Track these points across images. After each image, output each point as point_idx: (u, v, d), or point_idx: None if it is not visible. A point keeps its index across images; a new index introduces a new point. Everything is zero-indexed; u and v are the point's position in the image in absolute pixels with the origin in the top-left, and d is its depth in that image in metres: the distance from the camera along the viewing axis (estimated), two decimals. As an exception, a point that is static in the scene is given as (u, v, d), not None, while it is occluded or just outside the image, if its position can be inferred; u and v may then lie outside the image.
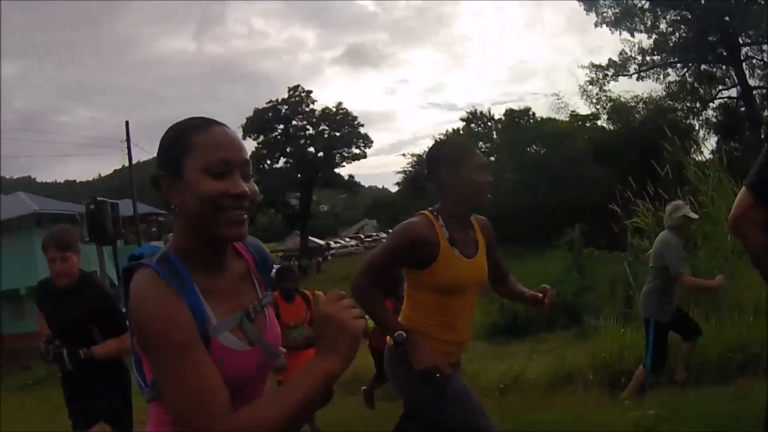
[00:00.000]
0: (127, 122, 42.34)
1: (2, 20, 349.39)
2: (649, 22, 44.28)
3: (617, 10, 44.61)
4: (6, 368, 30.52)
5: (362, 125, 67.55)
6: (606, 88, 46.09)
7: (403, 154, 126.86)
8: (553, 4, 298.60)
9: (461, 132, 61.62)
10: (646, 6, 43.90)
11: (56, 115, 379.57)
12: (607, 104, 46.33)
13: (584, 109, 48.69)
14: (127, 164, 49.84)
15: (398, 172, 70.45)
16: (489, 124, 61.77)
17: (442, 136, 64.09)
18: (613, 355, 7.80)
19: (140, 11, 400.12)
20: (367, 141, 68.03)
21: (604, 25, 45.18)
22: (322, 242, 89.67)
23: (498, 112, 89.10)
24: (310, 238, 76.27)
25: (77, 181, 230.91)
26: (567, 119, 49.68)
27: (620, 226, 13.12)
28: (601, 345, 8.44)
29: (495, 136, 58.30)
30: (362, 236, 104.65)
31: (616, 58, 45.75)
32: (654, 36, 44.68)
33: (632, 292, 11.73)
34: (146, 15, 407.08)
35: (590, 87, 46.38)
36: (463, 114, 70.92)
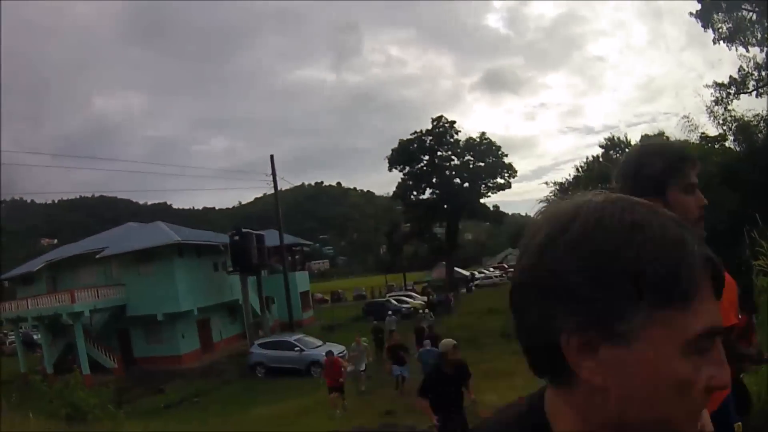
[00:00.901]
0: (272, 156, 43.68)
1: (128, 54, 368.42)
2: (759, 35, 42.43)
3: (730, 25, 43.02)
4: (137, 390, 31.48)
5: (506, 155, 66.96)
6: (730, 107, 44.52)
7: (546, 183, 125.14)
8: (672, 18, 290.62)
9: (600, 159, 60.38)
10: (754, 18, 42.11)
11: (192, 145, 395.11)
12: (732, 124, 44.73)
13: (713, 129, 47.19)
14: (267, 192, 51.43)
15: (541, 201, 69.45)
16: (626, 150, 60.26)
17: (582, 162, 63.23)
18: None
19: (274, 43, 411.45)
20: (512, 171, 67.32)
21: (721, 41, 43.71)
22: (467, 273, 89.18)
23: (634, 134, 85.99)
24: (455, 268, 76.00)
25: (216, 208, 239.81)
26: (698, 141, 48.21)
27: (746, 265, 12.71)
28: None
29: (632, 162, 56.89)
30: (506, 266, 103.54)
31: (735, 75, 44.06)
32: (766, 49, 42.80)
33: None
34: (280, 47, 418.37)
35: (716, 107, 44.96)
36: (601, 139, 68.96)
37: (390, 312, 30.59)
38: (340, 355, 24.51)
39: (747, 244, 11.73)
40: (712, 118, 45.83)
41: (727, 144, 46.85)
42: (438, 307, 42.44)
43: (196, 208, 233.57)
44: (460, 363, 9.66)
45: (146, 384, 33.69)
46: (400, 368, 20.42)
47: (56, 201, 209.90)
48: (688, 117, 49.53)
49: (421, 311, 32.25)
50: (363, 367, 22.47)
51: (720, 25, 43.99)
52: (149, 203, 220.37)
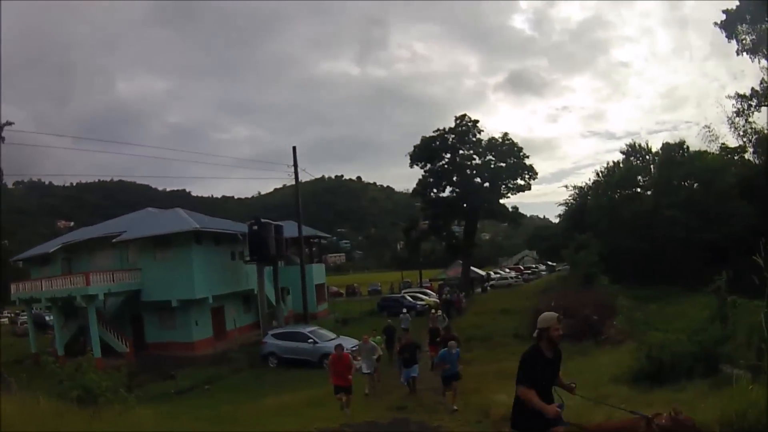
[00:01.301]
0: (294, 147, 43.41)
1: (153, 36, 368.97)
2: (782, 47, 42.14)
3: (754, 36, 42.56)
4: (148, 376, 31.29)
5: (527, 156, 66.65)
6: (751, 119, 44.13)
7: (566, 186, 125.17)
8: (697, 27, 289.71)
9: (621, 165, 59.99)
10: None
11: (214, 132, 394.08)
12: (753, 136, 44.35)
13: (733, 140, 46.78)
14: (287, 184, 51.17)
15: (560, 204, 68.98)
16: (647, 157, 59.88)
17: (603, 167, 62.84)
18: (738, 413, 7.76)
19: (300, 32, 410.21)
20: (532, 173, 66.99)
21: (744, 53, 43.33)
22: (482, 272, 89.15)
23: (655, 142, 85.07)
24: (472, 268, 75.83)
25: (235, 197, 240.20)
26: (717, 152, 47.79)
27: (761, 277, 12.58)
28: (731, 401, 8.35)
29: (652, 170, 56.44)
30: (521, 267, 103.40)
31: (757, 87, 43.70)
32: (790, 62, 42.55)
33: (763, 345, 11.33)
34: (306, 36, 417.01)
35: (737, 119, 44.61)
36: (622, 145, 68.23)
37: (404, 310, 30.11)
38: (353, 350, 24.19)
39: (763, 256, 11.52)
40: (732, 129, 45.73)
41: (746, 156, 46.56)
42: (448, 307, 41.23)
43: (215, 196, 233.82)
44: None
45: (157, 370, 33.62)
46: (408, 370, 19.24)
47: (74, 184, 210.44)
48: (709, 127, 49.55)
49: (433, 311, 31.27)
50: (371, 369, 20.28)
51: (744, 36, 43.80)
52: (168, 189, 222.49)
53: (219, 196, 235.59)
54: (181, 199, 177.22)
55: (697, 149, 51.15)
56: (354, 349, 24.66)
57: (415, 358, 19.50)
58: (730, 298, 15.45)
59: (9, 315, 74.64)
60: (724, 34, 44.65)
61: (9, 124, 40.72)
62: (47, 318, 51.56)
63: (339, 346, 17.10)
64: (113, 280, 39.34)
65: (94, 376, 14.15)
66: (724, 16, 44.17)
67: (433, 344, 21.78)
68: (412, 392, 18.91)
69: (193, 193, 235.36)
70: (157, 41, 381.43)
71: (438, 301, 48.71)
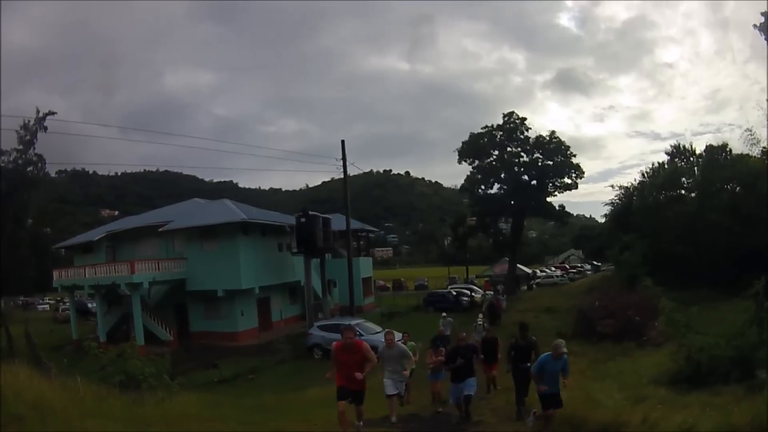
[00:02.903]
0: (342, 141, 43.14)
1: (200, 31, 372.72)
2: (817, 50, 41.00)
3: None
4: (191, 364, 31.45)
5: (574, 155, 65.74)
6: None
7: (612, 186, 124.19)
8: (739, 30, 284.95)
9: (666, 166, 59.00)
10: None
11: (261, 125, 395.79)
12: None
13: None
14: (335, 177, 51.19)
15: (606, 204, 67.98)
16: (691, 159, 58.87)
17: (648, 168, 61.83)
18: (762, 420, 7.96)
19: (349, 29, 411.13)
20: (579, 171, 66.04)
21: None
22: (528, 270, 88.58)
23: (699, 144, 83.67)
24: (518, 265, 75.25)
25: (282, 189, 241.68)
26: (759, 155, 46.70)
27: None
28: (764, 406, 8.51)
29: (696, 172, 55.42)
30: (567, 266, 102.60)
31: None
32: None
33: None
34: (356, 32, 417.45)
35: None
36: (667, 146, 66.95)
37: (444, 315, 28.76)
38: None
39: None
40: (773, 134, 44.43)
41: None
42: (488, 312, 39.21)
43: (262, 188, 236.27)
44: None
45: (200, 358, 33.74)
46: (461, 385, 13.42)
47: (119, 173, 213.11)
48: (750, 130, 48.25)
49: (475, 323, 27.27)
50: (398, 389, 13.56)
51: (782, 39, 42.52)
52: (215, 181, 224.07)
53: (266, 188, 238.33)
54: (228, 190, 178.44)
55: (739, 152, 50.19)
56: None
57: (471, 368, 13.72)
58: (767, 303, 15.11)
59: (50, 302, 75.82)
60: (763, 37, 43.61)
61: (51, 114, 41.20)
62: (89, 305, 52.20)
63: (348, 328, 10.90)
64: (158, 269, 39.62)
65: (138, 362, 14.03)
66: (762, 19, 43.26)
67: (435, 350, 15.80)
68: (465, 418, 13.33)
69: (240, 185, 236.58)
70: (205, 36, 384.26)
71: (481, 308, 46.62)
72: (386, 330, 15.22)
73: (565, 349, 11.19)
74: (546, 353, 11.36)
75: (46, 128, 41.21)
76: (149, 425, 9.26)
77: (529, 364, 12.96)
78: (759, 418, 8.05)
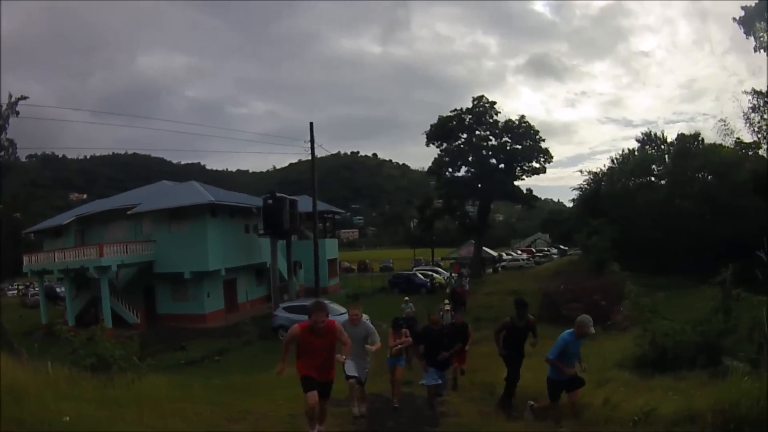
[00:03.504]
0: (311, 123, 43.40)
1: (174, 13, 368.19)
2: (799, 46, 41.81)
3: None
4: (159, 346, 31.58)
5: (543, 140, 66.39)
6: (767, 116, 43.89)
7: (581, 171, 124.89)
8: (719, 21, 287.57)
9: (636, 153, 59.95)
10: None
11: (234, 107, 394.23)
12: (767, 133, 44.17)
13: (748, 136, 46.63)
14: (302, 159, 51.48)
15: (574, 189, 68.72)
16: (662, 147, 59.83)
17: (618, 154, 62.82)
18: (732, 403, 7.97)
19: (323, 10, 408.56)
20: (548, 156, 66.66)
21: (761, 50, 43.10)
22: (494, 253, 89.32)
23: (671, 132, 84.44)
24: (484, 248, 75.94)
25: (250, 171, 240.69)
26: (732, 146, 47.63)
27: (764, 272, 12.78)
28: (726, 391, 8.58)
29: (667, 159, 56.33)
30: (533, 250, 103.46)
31: None
32: (806, 61, 42.25)
33: (762, 340, 12.06)
34: (330, 13, 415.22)
35: (753, 114, 44.41)
36: (638, 134, 67.62)
37: (406, 299, 28.91)
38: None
39: (767, 251, 11.67)
40: (748, 125, 45.46)
41: (760, 152, 46.36)
42: (451, 299, 35.54)
43: (230, 169, 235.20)
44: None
45: (168, 341, 34.15)
46: (432, 372, 12.21)
47: (88, 157, 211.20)
48: (724, 121, 49.20)
49: (440, 309, 25.41)
50: (360, 372, 11.46)
51: (762, 33, 43.32)
52: (183, 163, 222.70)
53: (234, 170, 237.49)
54: (196, 172, 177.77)
55: (712, 142, 51.07)
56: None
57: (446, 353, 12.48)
58: (735, 291, 15.64)
59: (19, 287, 75.31)
60: (742, 30, 44.34)
61: (24, 98, 41.01)
62: (58, 290, 52.12)
63: (319, 307, 8.39)
64: (126, 252, 39.82)
65: (108, 345, 14.33)
66: (743, 12, 43.94)
67: (396, 331, 13.20)
68: (431, 405, 12.35)
69: (208, 167, 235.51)
70: (178, 18, 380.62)
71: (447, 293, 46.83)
72: (351, 306, 13.83)
73: (592, 329, 9.91)
74: (567, 330, 9.97)
75: (18, 113, 41.03)
76: (121, 407, 9.61)
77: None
78: (721, 402, 8.16)
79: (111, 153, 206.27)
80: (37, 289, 53.48)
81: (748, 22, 43.36)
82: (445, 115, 67.15)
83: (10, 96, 41.16)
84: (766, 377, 7.89)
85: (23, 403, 8.32)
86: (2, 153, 41.70)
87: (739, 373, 9.15)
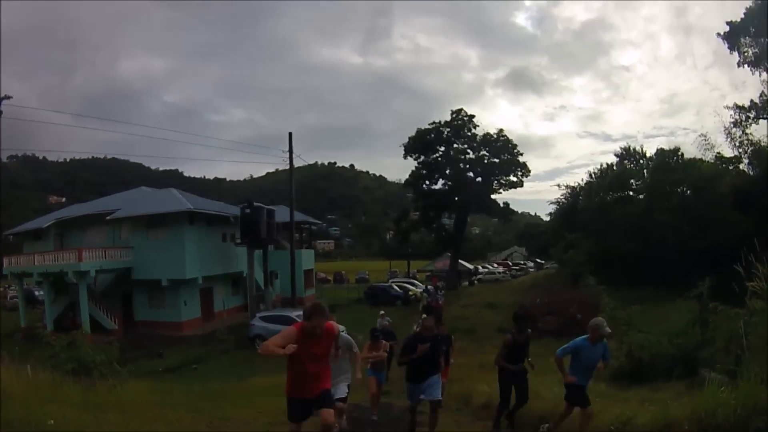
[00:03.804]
0: (290, 134, 43.85)
1: (152, 15, 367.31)
2: (786, 63, 42.64)
3: (756, 50, 43.10)
4: (136, 353, 31.13)
5: (521, 153, 66.96)
6: (748, 130, 44.65)
7: (558, 185, 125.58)
8: (701, 36, 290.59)
9: (614, 168, 60.59)
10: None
11: (211, 113, 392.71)
12: (748, 147, 44.88)
13: (729, 150, 47.33)
14: (280, 168, 51.63)
15: (551, 203, 69.45)
16: (641, 161, 60.55)
17: (596, 168, 63.41)
18: (708, 412, 8.00)
19: (303, 17, 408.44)
20: (525, 170, 67.24)
21: (746, 65, 43.88)
22: (471, 266, 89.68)
23: (650, 147, 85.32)
24: (460, 261, 76.30)
25: (227, 179, 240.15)
26: (712, 161, 48.31)
27: (740, 287, 13.13)
28: (702, 400, 8.58)
29: (645, 174, 56.98)
30: (510, 263, 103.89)
31: (757, 99, 44.24)
32: (792, 77, 43.06)
33: (740, 351, 11.87)
34: (309, 21, 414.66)
35: (734, 129, 45.15)
36: (617, 148, 68.30)
37: (381, 313, 28.73)
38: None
39: (743, 265, 12.00)
40: (729, 140, 46.17)
41: (741, 167, 47.03)
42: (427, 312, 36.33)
43: (207, 177, 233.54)
44: None
45: (145, 347, 34.05)
46: (419, 386, 9.90)
47: (68, 160, 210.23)
48: (705, 136, 49.88)
49: (418, 323, 25.52)
50: (341, 391, 10.08)
51: (746, 49, 44.13)
52: (161, 169, 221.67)
53: (211, 178, 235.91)
54: (173, 178, 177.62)
55: (692, 157, 51.67)
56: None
57: (435, 364, 10.24)
58: (712, 304, 15.99)
59: (-2, 289, 74.84)
60: (726, 45, 45.09)
61: (7, 98, 40.91)
62: (36, 293, 51.84)
63: (317, 308, 7.03)
64: (105, 257, 39.86)
65: (89, 350, 14.51)
66: (728, 27, 44.68)
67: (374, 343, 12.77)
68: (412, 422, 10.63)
69: (186, 173, 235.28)
70: (159, 20, 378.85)
71: (422, 294, 47.53)
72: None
73: (608, 329, 9.14)
74: (581, 337, 9.22)
75: (0, 113, 40.98)
76: (105, 411, 9.80)
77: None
78: (697, 412, 8.19)
79: (91, 157, 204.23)
80: (15, 291, 53.16)
81: (733, 36, 44.14)
82: (423, 128, 67.64)
83: (-6, 94, 41.13)
84: (742, 387, 8.08)
85: (7, 405, 8.46)
86: (-17, 153, 41.62)
87: (716, 383, 9.06)
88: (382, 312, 28.40)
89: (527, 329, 11.00)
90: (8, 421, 7.86)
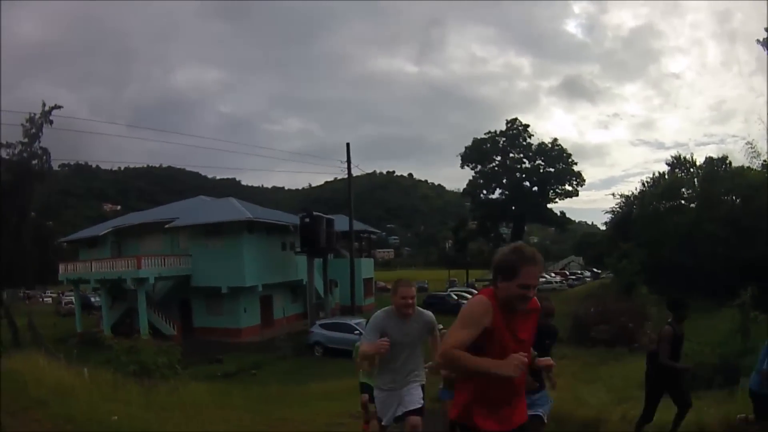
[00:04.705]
0: (348, 144, 44.01)
1: (210, 29, 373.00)
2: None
3: None
4: (194, 359, 31.50)
5: (576, 163, 66.46)
6: None
7: (613, 194, 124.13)
8: (745, 42, 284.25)
9: (666, 177, 59.43)
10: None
11: (267, 124, 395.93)
12: None
13: None
14: (338, 177, 51.74)
15: (607, 212, 68.46)
16: (691, 170, 59.44)
17: (649, 177, 62.30)
18: (731, 419, 8.40)
19: (358, 31, 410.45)
20: (580, 179, 66.91)
21: None
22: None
23: (702, 154, 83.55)
24: (518, 270, 75.58)
25: (285, 188, 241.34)
26: (759, 168, 47.05)
27: None
28: (736, 408, 8.89)
29: (696, 183, 55.83)
30: (567, 273, 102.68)
31: None
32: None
33: None
34: (365, 34, 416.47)
35: None
36: (668, 157, 67.21)
37: (440, 327, 28.91)
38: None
39: None
40: (774, 147, 44.80)
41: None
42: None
43: (265, 186, 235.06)
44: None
45: (204, 353, 34.06)
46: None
47: (122, 168, 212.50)
48: (751, 143, 48.61)
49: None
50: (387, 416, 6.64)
51: (786, 54, 42.92)
52: (218, 178, 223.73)
53: (269, 186, 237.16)
54: (231, 187, 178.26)
55: (740, 165, 50.58)
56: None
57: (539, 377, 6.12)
58: (753, 313, 15.55)
59: (52, 295, 76.18)
60: (766, 51, 44.07)
61: (58, 108, 41.85)
62: (92, 299, 52.67)
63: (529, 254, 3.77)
64: (164, 265, 40.20)
65: (151, 353, 14.53)
66: (766, 34, 43.75)
67: None
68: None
69: (243, 182, 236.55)
70: (214, 34, 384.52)
71: None
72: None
73: None
74: None
75: (51, 122, 41.83)
76: (166, 410, 9.75)
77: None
78: (728, 418, 8.39)
79: (146, 165, 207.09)
80: (70, 297, 54.06)
81: None
82: (479, 138, 67.61)
83: (44, 104, 42.00)
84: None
85: (70, 403, 8.45)
86: (35, 161, 42.50)
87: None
88: (440, 326, 28.20)
89: (686, 317, 8.89)
90: (71, 417, 7.78)
